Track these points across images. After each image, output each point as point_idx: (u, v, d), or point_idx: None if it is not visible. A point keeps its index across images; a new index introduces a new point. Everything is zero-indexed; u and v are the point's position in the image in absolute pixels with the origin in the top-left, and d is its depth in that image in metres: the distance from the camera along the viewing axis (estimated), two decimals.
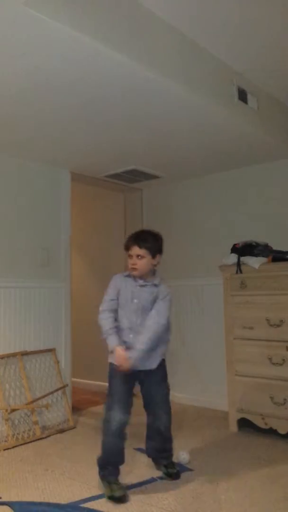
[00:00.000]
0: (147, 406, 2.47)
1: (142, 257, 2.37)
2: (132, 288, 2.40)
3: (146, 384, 2.45)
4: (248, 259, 3.17)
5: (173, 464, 2.48)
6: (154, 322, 2.34)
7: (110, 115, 2.71)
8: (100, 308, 2.41)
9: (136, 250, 2.37)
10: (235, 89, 2.82)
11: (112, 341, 2.33)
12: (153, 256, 2.39)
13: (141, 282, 2.41)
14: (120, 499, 2.16)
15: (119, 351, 2.28)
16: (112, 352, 2.33)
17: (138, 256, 2.37)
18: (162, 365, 2.49)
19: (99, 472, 2.31)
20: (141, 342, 2.30)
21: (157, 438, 2.48)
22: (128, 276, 2.42)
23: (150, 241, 2.40)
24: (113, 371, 2.36)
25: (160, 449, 2.50)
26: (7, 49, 1.99)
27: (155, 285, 2.41)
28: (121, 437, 2.30)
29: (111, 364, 2.38)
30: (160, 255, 2.44)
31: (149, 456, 2.56)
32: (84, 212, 4.96)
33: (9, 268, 3.35)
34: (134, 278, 2.41)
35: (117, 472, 2.29)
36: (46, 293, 3.54)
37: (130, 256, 2.40)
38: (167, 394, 2.50)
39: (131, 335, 2.35)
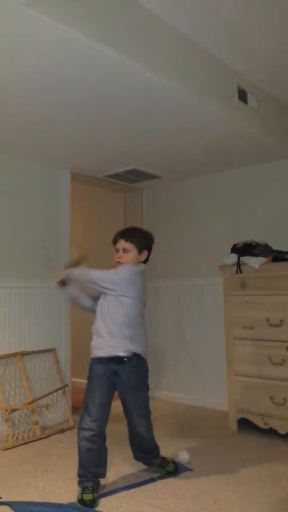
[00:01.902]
0: (124, 410, 2.37)
1: (128, 251, 2.34)
2: None
3: (120, 388, 2.31)
4: (248, 259, 3.17)
5: (166, 460, 2.45)
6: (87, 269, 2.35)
7: (110, 115, 2.71)
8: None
9: (122, 243, 2.36)
10: (235, 89, 2.82)
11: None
12: (140, 251, 2.36)
13: None
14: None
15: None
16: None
17: (124, 249, 2.34)
18: (136, 364, 2.29)
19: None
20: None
21: (138, 442, 2.40)
22: None
23: (137, 236, 2.38)
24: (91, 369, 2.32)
25: (144, 452, 2.43)
26: (7, 49, 1.99)
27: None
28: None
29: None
30: (148, 252, 2.40)
31: (137, 460, 2.47)
32: (84, 212, 4.96)
33: (9, 268, 3.35)
34: None
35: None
36: (46, 293, 3.54)
37: (117, 250, 2.37)
38: (144, 399, 2.35)
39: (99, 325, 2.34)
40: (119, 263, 2.35)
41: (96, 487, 2.21)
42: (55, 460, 2.72)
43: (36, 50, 1.99)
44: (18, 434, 3.10)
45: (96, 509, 2.10)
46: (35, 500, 2.18)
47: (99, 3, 2.00)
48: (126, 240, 2.36)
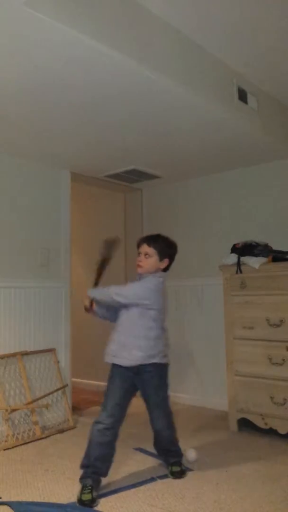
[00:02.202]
0: (147, 407, 2.46)
1: (150, 256, 2.39)
2: None
3: (142, 387, 2.41)
4: (248, 259, 3.17)
5: (178, 463, 2.47)
6: (111, 287, 2.37)
7: (110, 115, 2.71)
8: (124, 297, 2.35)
9: (144, 247, 2.41)
10: (235, 89, 2.82)
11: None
12: (161, 259, 2.41)
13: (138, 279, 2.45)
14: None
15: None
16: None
17: (145, 254, 2.39)
18: (158, 368, 2.41)
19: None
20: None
21: (159, 438, 2.48)
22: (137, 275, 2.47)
23: (160, 242, 2.43)
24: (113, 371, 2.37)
25: (164, 449, 2.50)
26: (7, 49, 1.99)
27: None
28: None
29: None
30: (170, 261, 2.45)
31: (158, 453, 2.55)
32: (84, 212, 4.96)
33: (9, 268, 3.35)
34: (139, 276, 2.43)
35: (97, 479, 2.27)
36: (46, 293, 3.54)
37: (139, 253, 2.42)
38: (164, 398, 2.47)
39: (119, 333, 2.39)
40: (139, 266, 2.40)
41: (96, 485, 2.21)
42: (55, 460, 2.72)
43: (36, 50, 1.99)
44: (18, 434, 3.10)
45: (96, 509, 2.10)
46: (35, 500, 2.18)
47: (99, 3, 2.00)
48: (148, 245, 2.40)
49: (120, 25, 2.09)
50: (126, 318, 2.37)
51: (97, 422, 2.29)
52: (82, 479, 2.23)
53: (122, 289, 2.37)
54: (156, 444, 2.52)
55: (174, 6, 2.23)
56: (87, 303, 2.46)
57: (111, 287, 2.37)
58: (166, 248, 2.43)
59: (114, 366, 2.36)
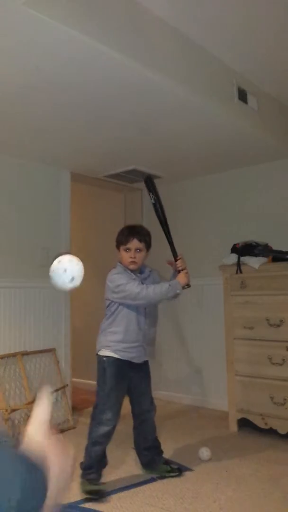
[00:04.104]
0: (134, 402, 2.44)
1: (141, 250, 2.36)
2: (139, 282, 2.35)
3: (139, 385, 2.42)
4: (248, 259, 3.17)
5: (167, 460, 2.49)
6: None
7: (110, 115, 2.71)
8: (136, 290, 2.25)
9: (136, 243, 2.35)
10: (235, 89, 2.82)
11: (174, 283, 2.30)
12: (147, 250, 2.41)
13: (143, 275, 2.40)
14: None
15: (183, 274, 2.33)
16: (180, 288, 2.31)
17: (137, 249, 2.34)
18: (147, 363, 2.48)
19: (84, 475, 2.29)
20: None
21: (144, 428, 2.45)
22: (125, 271, 2.37)
23: (147, 235, 2.41)
24: (110, 366, 2.35)
25: (148, 446, 2.46)
26: (7, 49, 1.99)
27: (150, 271, 2.45)
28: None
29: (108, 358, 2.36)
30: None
31: (142, 454, 2.49)
32: (84, 212, 4.96)
33: (9, 268, 3.35)
34: (133, 272, 2.37)
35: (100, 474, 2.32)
36: (46, 293, 3.54)
37: (128, 249, 2.34)
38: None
39: (142, 332, 2.39)
40: (134, 262, 2.34)
41: (99, 478, 2.29)
42: None
43: (36, 50, 1.99)
44: (18, 434, 3.09)
45: (96, 509, 2.10)
46: None
47: (99, 3, 2.00)
48: (139, 241, 2.35)
49: (120, 25, 2.09)
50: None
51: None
52: (86, 475, 2.25)
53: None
54: (140, 441, 2.46)
55: (174, 7, 2.23)
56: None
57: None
58: (150, 240, 2.42)
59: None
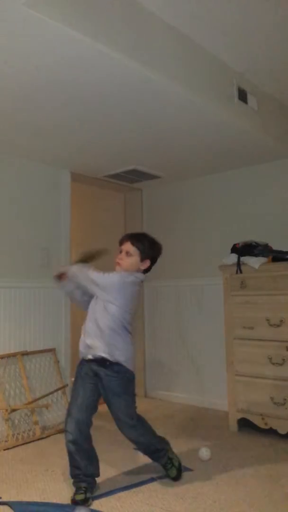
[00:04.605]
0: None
1: (131, 255, 2.30)
2: None
3: (103, 392, 2.27)
4: (248, 259, 3.17)
5: (171, 463, 2.39)
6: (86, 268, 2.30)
7: (110, 115, 2.71)
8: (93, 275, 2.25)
9: (127, 245, 2.31)
10: (235, 89, 2.82)
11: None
12: (142, 259, 2.31)
13: None
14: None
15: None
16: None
17: (127, 252, 2.30)
18: (118, 370, 2.23)
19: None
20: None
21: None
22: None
23: (144, 242, 2.33)
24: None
25: (147, 453, 2.42)
26: (7, 49, 1.99)
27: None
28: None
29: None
30: (151, 263, 2.34)
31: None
32: (84, 212, 4.96)
33: (9, 268, 3.35)
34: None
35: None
36: (46, 293, 3.54)
37: (120, 250, 2.33)
38: (127, 406, 2.27)
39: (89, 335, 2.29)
40: (118, 264, 2.31)
41: (90, 486, 2.21)
42: (55, 460, 2.72)
43: (36, 50, 1.99)
44: (18, 434, 3.10)
45: (96, 509, 2.10)
46: (35, 500, 2.18)
47: (98, 3, 2.00)
48: (132, 244, 2.30)
49: (120, 25, 2.09)
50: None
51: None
52: (75, 483, 2.22)
53: (94, 274, 2.25)
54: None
55: (174, 6, 2.23)
56: (59, 272, 2.36)
57: (89, 270, 2.27)
58: (149, 249, 2.32)
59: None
